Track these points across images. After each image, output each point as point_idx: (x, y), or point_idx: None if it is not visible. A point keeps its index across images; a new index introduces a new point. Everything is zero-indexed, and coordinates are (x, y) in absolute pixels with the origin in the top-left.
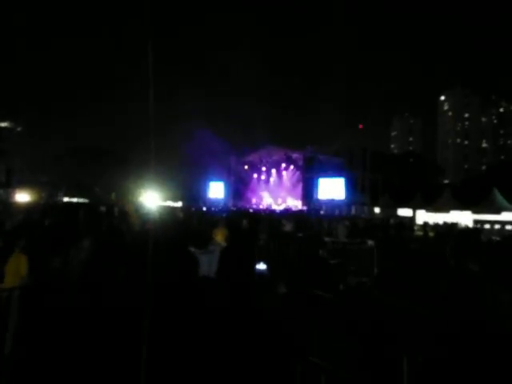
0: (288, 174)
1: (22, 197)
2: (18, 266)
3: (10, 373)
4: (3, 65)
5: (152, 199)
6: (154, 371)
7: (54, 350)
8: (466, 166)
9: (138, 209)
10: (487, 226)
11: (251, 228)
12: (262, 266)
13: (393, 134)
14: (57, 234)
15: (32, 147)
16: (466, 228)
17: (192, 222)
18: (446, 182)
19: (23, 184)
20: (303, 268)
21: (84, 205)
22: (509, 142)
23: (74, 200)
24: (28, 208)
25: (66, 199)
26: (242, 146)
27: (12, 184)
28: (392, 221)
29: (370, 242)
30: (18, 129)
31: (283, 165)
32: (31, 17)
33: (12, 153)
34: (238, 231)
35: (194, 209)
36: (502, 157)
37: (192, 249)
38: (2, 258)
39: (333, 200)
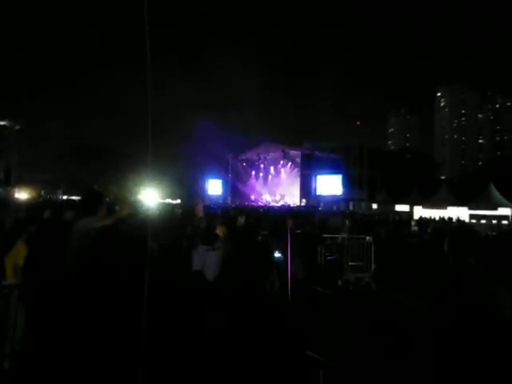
0: (286, 171)
1: (21, 195)
2: (17, 257)
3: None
4: (3, 63)
5: (151, 197)
6: (152, 367)
7: (53, 348)
8: (462, 162)
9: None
10: (484, 222)
11: (248, 225)
12: (278, 254)
13: (390, 130)
14: (54, 227)
15: (32, 146)
16: (463, 223)
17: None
18: (443, 177)
19: (22, 182)
20: (302, 264)
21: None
22: (505, 137)
23: (73, 198)
24: (28, 205)
25: (64, 197)
26: (240, 143)
27: (11, 182)
28: (390, 216)
29: (368, 238)
30: (17, 127)
31: (281, 162)
32: (32, 16)
33: (11, 151)
34: (237, 229)
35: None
36: (499, 153)
37: (200, 246)
38: (3, 255)
39: (331, 196)
